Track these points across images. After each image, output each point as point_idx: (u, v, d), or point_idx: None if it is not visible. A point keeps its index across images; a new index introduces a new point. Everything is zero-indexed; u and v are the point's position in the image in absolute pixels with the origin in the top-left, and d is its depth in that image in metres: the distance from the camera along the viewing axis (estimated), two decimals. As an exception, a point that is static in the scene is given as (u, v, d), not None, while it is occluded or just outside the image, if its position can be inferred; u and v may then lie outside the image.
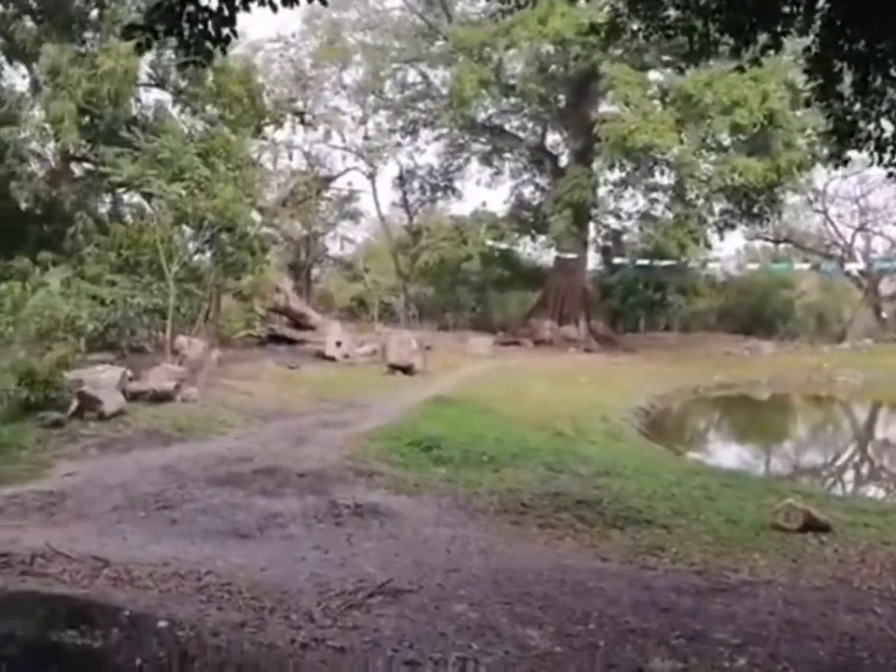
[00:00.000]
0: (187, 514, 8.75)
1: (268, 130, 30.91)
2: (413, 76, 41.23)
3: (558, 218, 33.77)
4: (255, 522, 8.46)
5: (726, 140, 32.19)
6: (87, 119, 21.75)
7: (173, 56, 23.51)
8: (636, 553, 7.92)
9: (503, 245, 38.12)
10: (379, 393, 19.49)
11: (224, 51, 6.42)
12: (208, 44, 6.05)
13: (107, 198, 25.54)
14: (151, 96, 25.54)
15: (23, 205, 20.91)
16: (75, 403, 12.59)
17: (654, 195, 39.27)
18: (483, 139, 42.21)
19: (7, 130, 19.96)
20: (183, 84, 24.29)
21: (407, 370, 23.30)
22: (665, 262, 33.94)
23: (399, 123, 41.41)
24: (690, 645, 5.33)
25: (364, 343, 27.59)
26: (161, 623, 5.46)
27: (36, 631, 4.99)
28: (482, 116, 39.65)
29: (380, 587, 6.36)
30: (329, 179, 43.51)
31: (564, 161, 39.76)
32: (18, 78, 24.79)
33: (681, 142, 30.30)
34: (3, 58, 22.57)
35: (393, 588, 6.31)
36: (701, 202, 32.81)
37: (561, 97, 37.71)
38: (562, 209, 33.83)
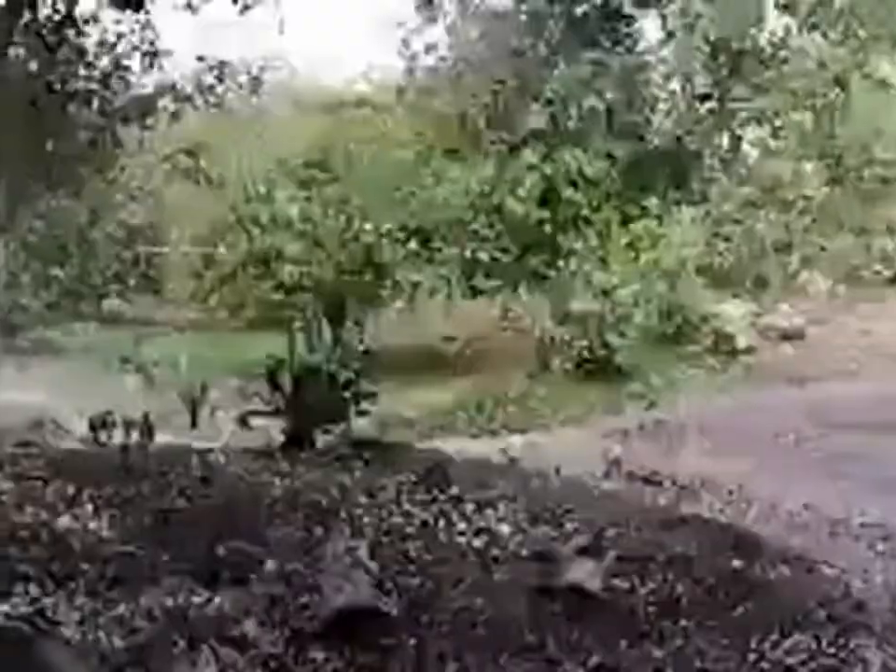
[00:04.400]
0: (829, 457, 8.39)
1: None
2: None
3: None
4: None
5: None
6: (712, 56, 21.93)
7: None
8: None
9: None
10: None
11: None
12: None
13: (726, 135, 25.54)
14: (780, 23, 24.63)
15: (653, 148, 22.04)
16: (708, 337, 13.01)
17: None
18: None
19: (641, 76, 21.19)
20: (807, 8, 22.90)
21: None
22: None
23: None
24: None
25: None
26: (827, 571, 5.30)
27: (708, 555, 5.21)
28: None
29: None
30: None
31: None
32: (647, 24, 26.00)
33: None
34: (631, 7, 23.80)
35: None
36: None
37: None
38: None
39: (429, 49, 24.23)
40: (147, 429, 7.50)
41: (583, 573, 4.20)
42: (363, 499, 5.49)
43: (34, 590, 3.79)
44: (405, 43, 23.61)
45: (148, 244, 19.85)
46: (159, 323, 17.37)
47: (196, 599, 4.00)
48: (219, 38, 8.05)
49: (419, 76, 24.37)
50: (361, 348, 10.33)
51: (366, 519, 5.14)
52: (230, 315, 16.97)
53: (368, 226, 15.56)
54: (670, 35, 23.03)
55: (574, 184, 19.18)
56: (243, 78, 7.97)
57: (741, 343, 12.95)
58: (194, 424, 8.62)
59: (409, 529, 4.98)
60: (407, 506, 5.44)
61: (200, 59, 7.40)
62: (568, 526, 5.04)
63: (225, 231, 17.24)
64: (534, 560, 4.49)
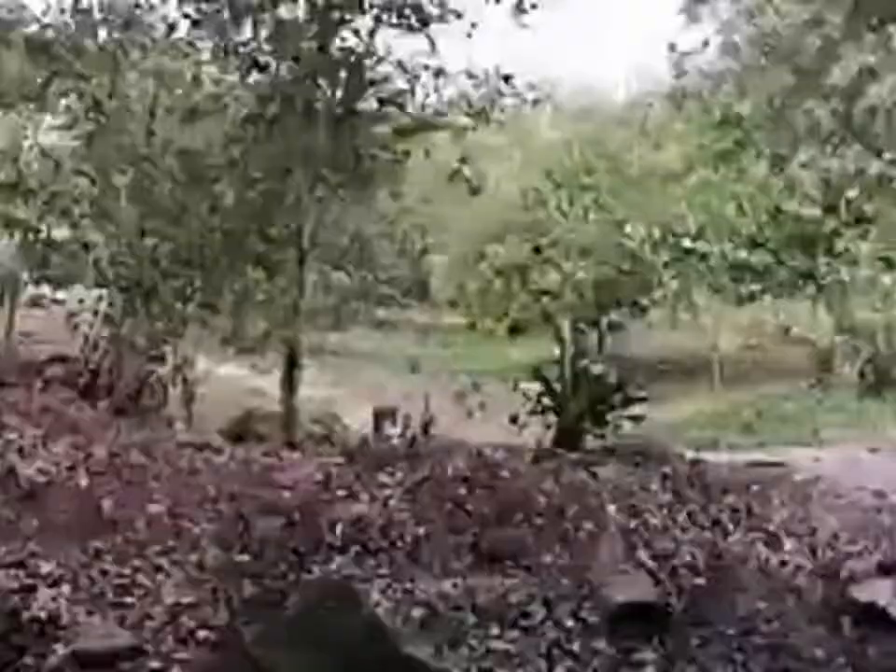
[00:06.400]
0: None
1: None
2: None
3: None
4: None
5: None
6: None
7: None
8: None
9: None
10: None
11: None
12: None
13: None
14: None
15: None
16: None
17: None
18: None
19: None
20: None
21: None
22: None
23: None
24: None
25: None
26: None
27: None
28: None
29: None
30: None
31: None
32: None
33: None
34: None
35: None
36: None
37: None
38: None
39: (700, 48, 23.54)
40: (427, 423, 8.02)
41: (879, 592, 3.98)
42: (635, 501, 5.52)
43: (343, 560, 4.24)
44: (671, 45, 23.11)
45: (420, 252, 21.03)
46: (428, 326, 18.32)
47: (481, 583, 4.25)
48: (490, 52, 8.42)
49: (685, 77, 23.75)
50: (626, 353, 10.27)
51: (639, 519, 5.18)
52: (495, 319, 17.58)
53: (633, 230, 15.45)
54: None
55: (858, 182, 17.82)
56: (516, 90, 8.26)
57: None
58: (467, 420, 9.05)
59: (683, 534, 4.95)
60: (679, 511, 5.39)
61: (473, 75, 7.76)
62: (861, 544, 4.77)
63: (491, 239, 17.88)
64: (823, 575, 4.31)
